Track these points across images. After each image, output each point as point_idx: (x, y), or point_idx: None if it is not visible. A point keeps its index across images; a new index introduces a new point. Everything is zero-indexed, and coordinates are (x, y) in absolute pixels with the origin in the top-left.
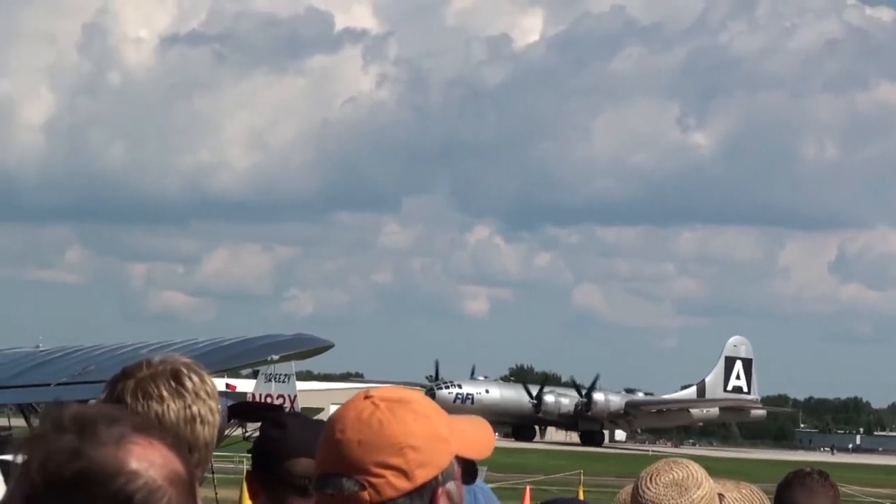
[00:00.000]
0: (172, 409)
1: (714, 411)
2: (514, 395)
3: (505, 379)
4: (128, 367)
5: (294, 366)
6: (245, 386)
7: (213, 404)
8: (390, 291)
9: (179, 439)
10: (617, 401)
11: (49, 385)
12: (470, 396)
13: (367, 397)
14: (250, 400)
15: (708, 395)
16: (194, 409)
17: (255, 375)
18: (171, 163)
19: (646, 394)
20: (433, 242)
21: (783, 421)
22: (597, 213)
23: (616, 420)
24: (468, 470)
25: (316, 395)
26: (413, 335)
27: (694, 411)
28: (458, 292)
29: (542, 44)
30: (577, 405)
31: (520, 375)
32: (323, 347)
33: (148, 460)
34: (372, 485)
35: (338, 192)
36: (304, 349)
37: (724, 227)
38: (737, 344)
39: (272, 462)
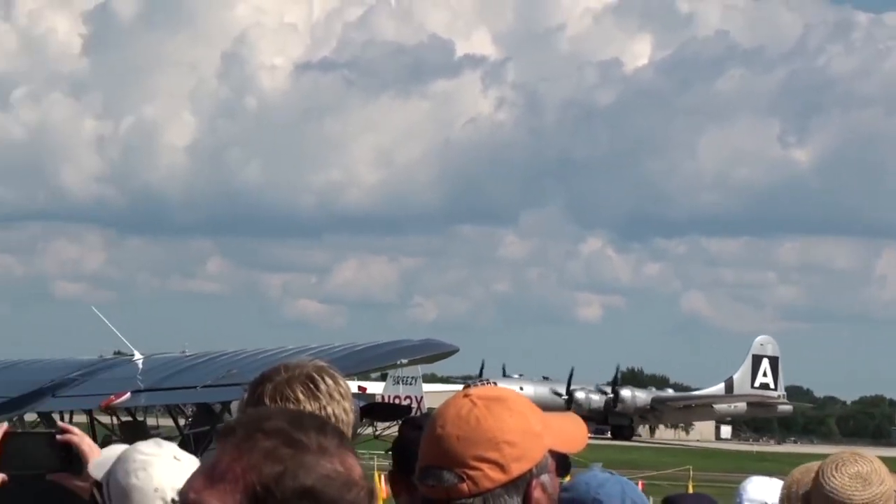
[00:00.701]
0: (308, 410)
1: (741, 406)
2: (547, 393)
3: (545, 378)
4: (266, 371)
5: (420, 369)
6: (374, 388)
7: (346, 405)
8: (508, 299)
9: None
10: (643, 397)
11: (195, 387)
12: None
13: (465, 395)
14: (380, 401)
15: (735, 392)
16: (329, 409)
17: (383, 378)
18: (304, 180)
19: (676, 389)
20: (548, 253)
21: (880, 419)
22: (702, 224)
23: (644, 415)
24: (562, 463)
25: (439, 396)
26: (529, 339)
27: (719, 407)
28: (572, 300)
29: (650, 67)
30: (606, 402)
31: (630, 378)
32: (448, 352)
33: (360, 470)
34: (470, 477)
35: (459, 206)
36: (431, 353)
37: (823, 237)
38: (763, 343)
39: (412, 462)
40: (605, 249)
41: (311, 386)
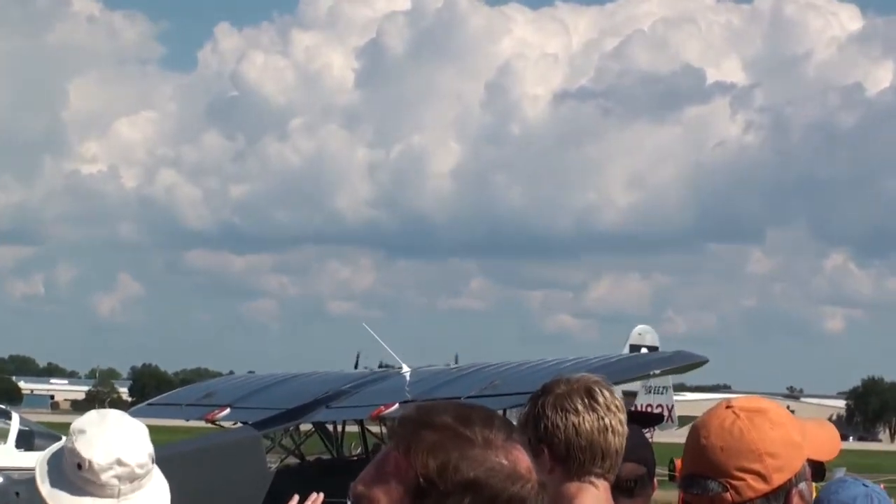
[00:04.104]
0: (587, 420)
1: None
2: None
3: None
4: (547, 383)
5: (671, 378)
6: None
7: (621, 416)
8: (755, 312)
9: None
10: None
11: (459, 398)
12: None
13: (728, 407)
14: (633, 410)
15: None
16: (606, 420)
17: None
18: (562, 203)
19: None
20: (793, 268)
21: None
22: None
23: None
24: (817, 471)
25: (689, 404)
26: (776, 350)
27: None
28: (816, 312)
29: (891, 91)
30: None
31: (868, 386)
32: (698, 363)
33: (527, 463)
34: (734, 487)
35: (709, 225)
36: (681, 364)
37: None
38: (641, 332)
39: None
40: (848, 264)
41: (590, 398)
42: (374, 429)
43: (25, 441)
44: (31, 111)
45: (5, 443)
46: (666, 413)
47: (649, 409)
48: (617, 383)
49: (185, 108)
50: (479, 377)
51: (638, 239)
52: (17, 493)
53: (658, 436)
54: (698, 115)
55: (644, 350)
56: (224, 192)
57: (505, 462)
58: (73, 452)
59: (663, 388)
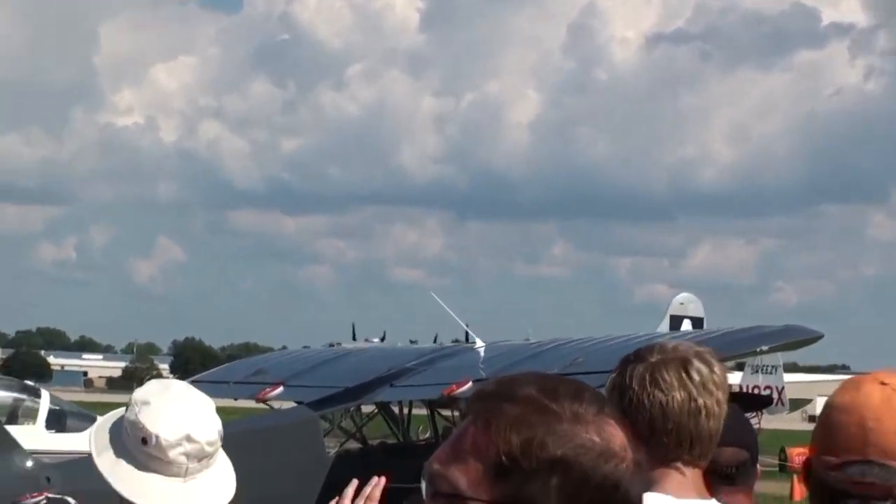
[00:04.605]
0: (676, 399)
1: None
2: None
3: None
4: (640, 349)
5: (780, 357)
6: (732, 378)
7: (720, 395)
8: (877, 282)
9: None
10: None
11: None
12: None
13: (882, 383)
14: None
15: None
16: (700, 401)
17: (739, 367)
18: (655, 158)
19: None
20: None
21: None
22: None
23: None
24: None
25: (802, 386)
26: None
27: None
28: None
29: None
30: None
31: None
32: (812, 339)
33: (622, 440)
34: None
35: (823, 183)
36: (793, 340)
37: None
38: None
39: None
40: None
41: (685, 372)
42: (444, 411)
43: (56, 422)
44: (59, 58)
45: (34, 423)
46: (775, 395)
47: (756, 391)
48: (720, 361)
49: (230, 53)
50: (560, 353)
51: (742, 199)
52: (49, 479)
53: (767, 420)
54: (812, 60)
55: (686, 322)
56: (273, 146)
57: (597, 439)
58: (137, 425)
59: (772, 367)
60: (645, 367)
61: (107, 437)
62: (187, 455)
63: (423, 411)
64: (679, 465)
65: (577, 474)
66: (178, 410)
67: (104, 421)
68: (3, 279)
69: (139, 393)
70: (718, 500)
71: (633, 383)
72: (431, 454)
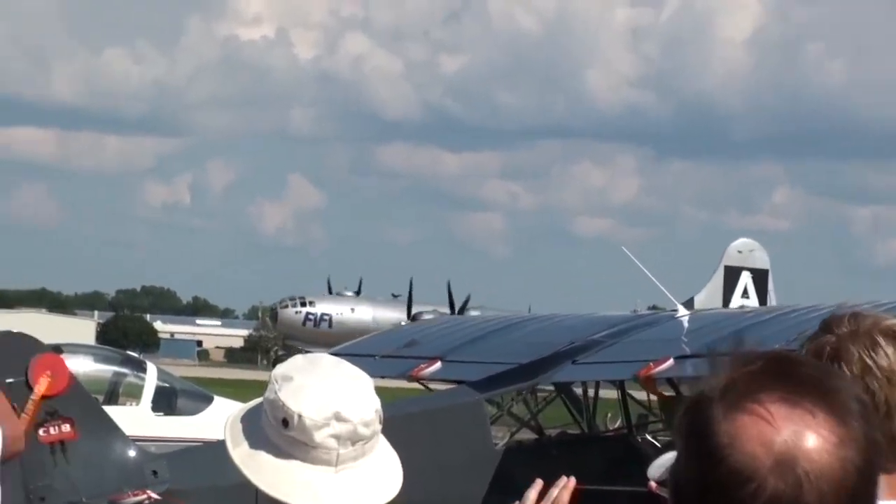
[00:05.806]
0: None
1: None
2: (394, 316)
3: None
4: (830, 318)
5: None
6: None
7: None
8: None
9: (864, 405)
10: None
11: None
12: (327, 317)
13: None
14: None
15: None
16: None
17: None
18: None
19: None
20: None
21: None
22: None
23: None
24: None
25: None
26: None
27: None
28: None
29: None
30: None
31: None
32: None
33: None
34: None
35: None
36: None
37: None
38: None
39: None
40: None
41: (871, 352)
42: (638, 394)
43: (165, 402)
44: None
45: (138, 404)
46: None
47: None
48: None
49: None
50: (783, 324)
51: None
52: (155, 473)
53: None
54: None
55: (746, 275)
56: (432, 66)
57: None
58: (277, 404)
59: None
60: (832, 342)
61: (244, 425)
62: (337, 438)
63: (613, 394)
64: None
65: None
66: (326, 386)
67: (243, 407)
68: (102, 227)
69: (280, 368)
70: None
71: (848, 350)
72: (621, 447)
